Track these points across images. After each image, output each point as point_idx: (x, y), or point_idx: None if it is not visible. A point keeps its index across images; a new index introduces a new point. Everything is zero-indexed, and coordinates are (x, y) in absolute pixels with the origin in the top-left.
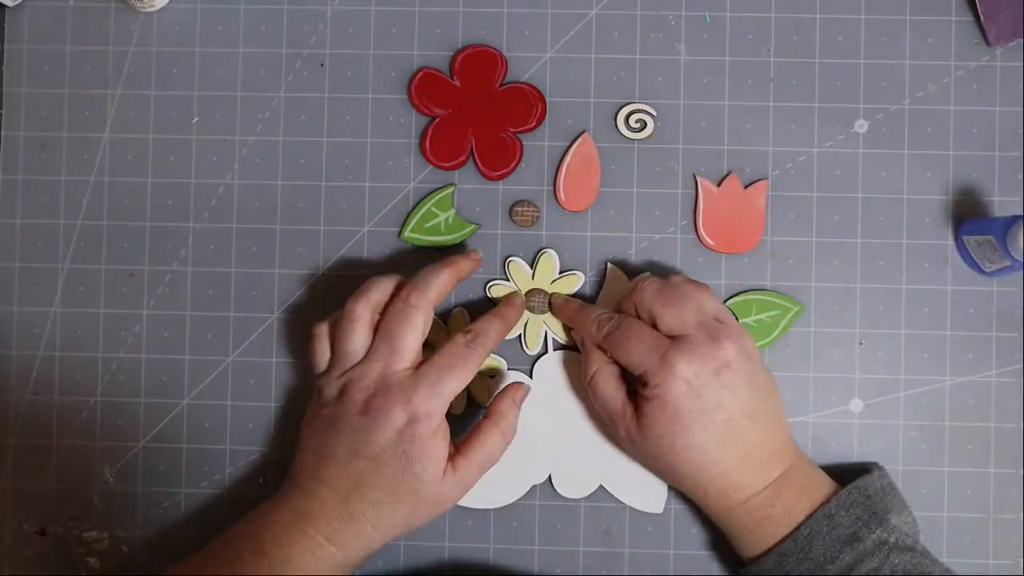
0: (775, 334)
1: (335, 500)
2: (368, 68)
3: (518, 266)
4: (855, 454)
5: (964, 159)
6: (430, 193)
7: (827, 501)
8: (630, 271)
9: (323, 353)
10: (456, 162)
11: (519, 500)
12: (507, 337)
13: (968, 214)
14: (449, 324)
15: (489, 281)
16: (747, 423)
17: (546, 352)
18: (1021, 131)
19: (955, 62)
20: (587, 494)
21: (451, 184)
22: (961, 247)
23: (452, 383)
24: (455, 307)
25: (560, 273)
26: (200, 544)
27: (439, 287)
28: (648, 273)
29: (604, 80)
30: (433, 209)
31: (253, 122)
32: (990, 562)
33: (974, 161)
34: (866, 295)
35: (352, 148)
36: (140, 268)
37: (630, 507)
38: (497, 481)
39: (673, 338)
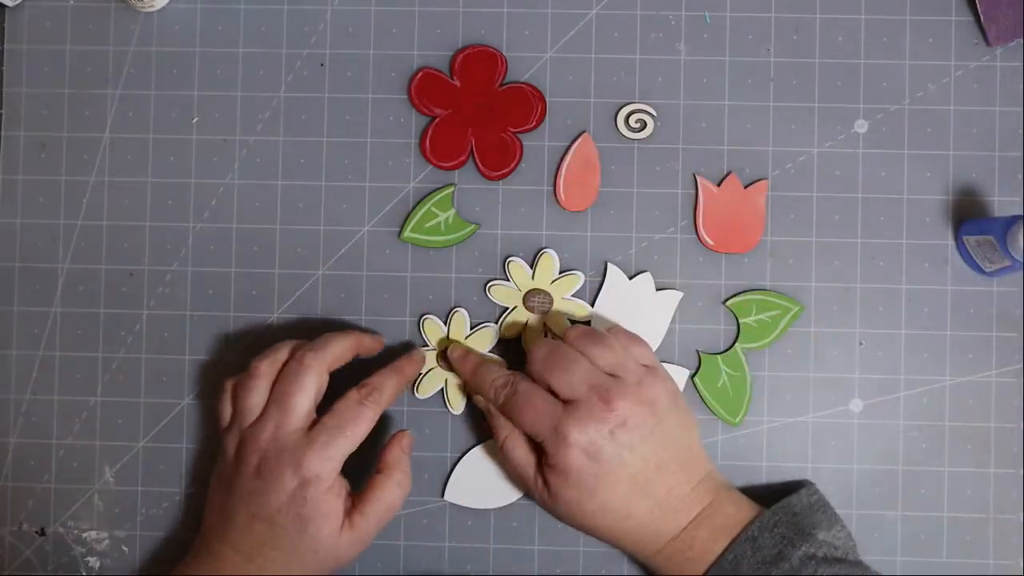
0: (775, 334)
1: (240, 561)
2: (368, 68)
3: (518, 266)
4: (855, 454)
5: (964, 159)
6: (430, 193)
7: (749, 525)
8: (630, 271)
9: (226, 409)
10: (456, 162)
11: (519, 500)
12: (507, 335)
13: (968, 214)
14: (449, 325)
15: (489, 281)
16: (654, 474)
17: None
18: (1021, 131)
19: (955, 62)
20: None
21: (451, 184)
22: (961, 247)
23: (343, 445)
24: (455, 307)
25: (560, 273)
26: None
27: (336, 351)
28: (568, 324)
29: (604, 80)
30: (433, 209)
31: (253, 122)
32: (990, 562)
33: (974, 161)
34: (866, 295)
35: (352, 148)
36: (140, 268)
37: None
38: (497, 481)
39: (566, 403)
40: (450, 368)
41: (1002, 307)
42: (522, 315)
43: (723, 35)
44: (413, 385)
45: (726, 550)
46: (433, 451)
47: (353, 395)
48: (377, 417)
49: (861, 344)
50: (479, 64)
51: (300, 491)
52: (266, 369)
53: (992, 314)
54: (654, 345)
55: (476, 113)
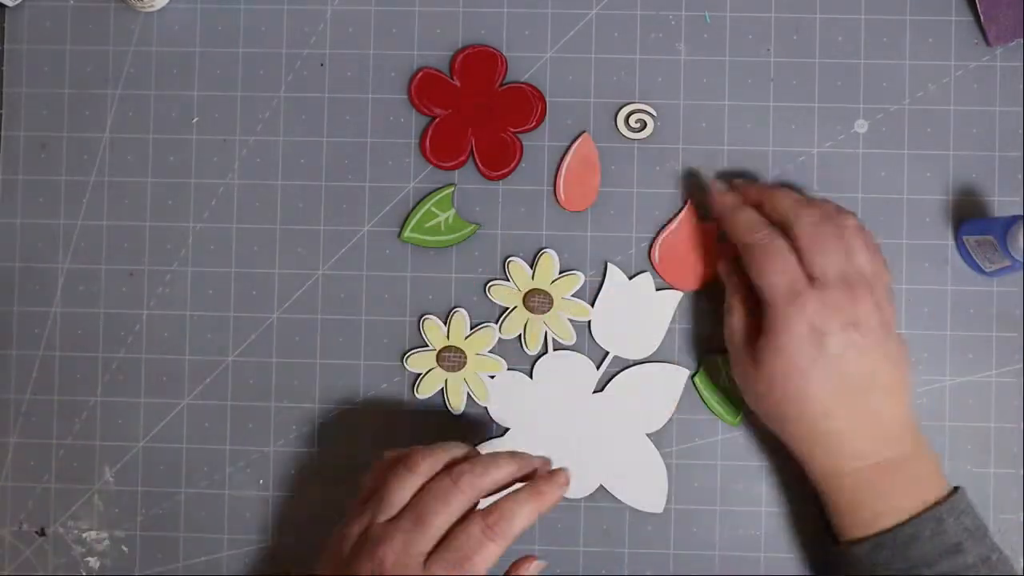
0: None
1: None
2: (368, 68)
3: (518, 266)
4: None
5: (964, 159)
6: (430, 193)
7: (938, 503)
8: (630, 271)
9: (370, 484)
10: (456, 162)
11: None
12: (506, 338)
13: (968, 214)
14: (449, 325)
15: (489, 281)
16: (867, 385)
17: (546, 352)
18: (1021, 131)
19: (955, 62)
20: (587, 494)
21: (451, 184)
22: (961, 247)
23: (476, 569)
24: (455, 308)
25: (560, 273)
26: (200, 544)
27: (497, 478)
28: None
29: (604, 80)
30: (433, 209)
31: (253, 122)
32: None
33: (974, 161)
34: None
35: (352, 148)
36: (140, 268)
37: (630, 507)
38: None
39: (812, 278)
40: (450, 368)
41: (1002, 307)
42: (522, 315)
43: (723, 35)
44: (413, 385)
45: (906, 522)
46: None
47: (477, 524)
48: (502, 553)
49: None
50: (479, 64)
51: None
52: (426, 470)
53: (992, 314)
54: (654, 345)
55: (476, 113)
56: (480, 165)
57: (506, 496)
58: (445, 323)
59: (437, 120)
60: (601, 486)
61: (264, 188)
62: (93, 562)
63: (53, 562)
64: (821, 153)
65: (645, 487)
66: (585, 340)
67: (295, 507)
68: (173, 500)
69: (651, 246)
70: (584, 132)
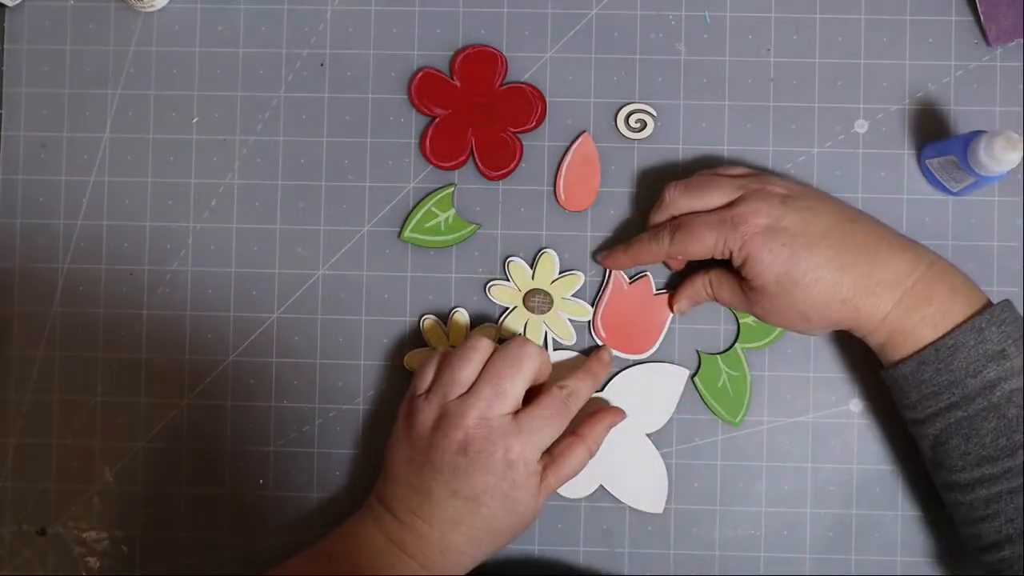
0: (775, 334)
1: (433, 535)
2: (368, 68)
3: (518, 266)
4: (855, 454)
5: None
6: (430, 193)
7: (978, 313)
8: (630, 272)
9: (428, 375)
10: (456, 162)
11: None
12: (506, 338)
13: (967, 213)
14: (449, 325)
15: (489, 281)
16: (849, 225)
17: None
18: (1021, 131)
19: (955, 62)
20: (587, 494)
21: (451, 184)
22: (926, 171)
23: (549, 435)
24: (455, 307)
25: (560, 273)
26: (200, 544)
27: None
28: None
29: (604, 80)
30: (433, 209)
31: (253, 122)
32: None
33: None
34: None
35: (352, 148)
36: (140, 268)
37: (630, 507)
38: None
39: (726, 207)
40: None
41: None
42: (522, 315)
43: (723, 35)
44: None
45: (947, 333)
46: None
47: (557, 393)
48: (570, 419)
49: (861, 344)
50: (479, 64)
51: (509, 473)
52: (486, 345)
53: None
54: (654, 347)
55: (476, 113)
56: (480, 165)
57: (572, 376)
58: (445, 323)
59: (437, 120)
60: (601, 486)
61: (264, 188)
62: (93, 562)
63: (53, 562)
64: (821, 153)
65: (645, 487)
66: (585, 340)
67: (295, 507)
68: (173, 500)
69: (591, 324)
70: (584, 132)
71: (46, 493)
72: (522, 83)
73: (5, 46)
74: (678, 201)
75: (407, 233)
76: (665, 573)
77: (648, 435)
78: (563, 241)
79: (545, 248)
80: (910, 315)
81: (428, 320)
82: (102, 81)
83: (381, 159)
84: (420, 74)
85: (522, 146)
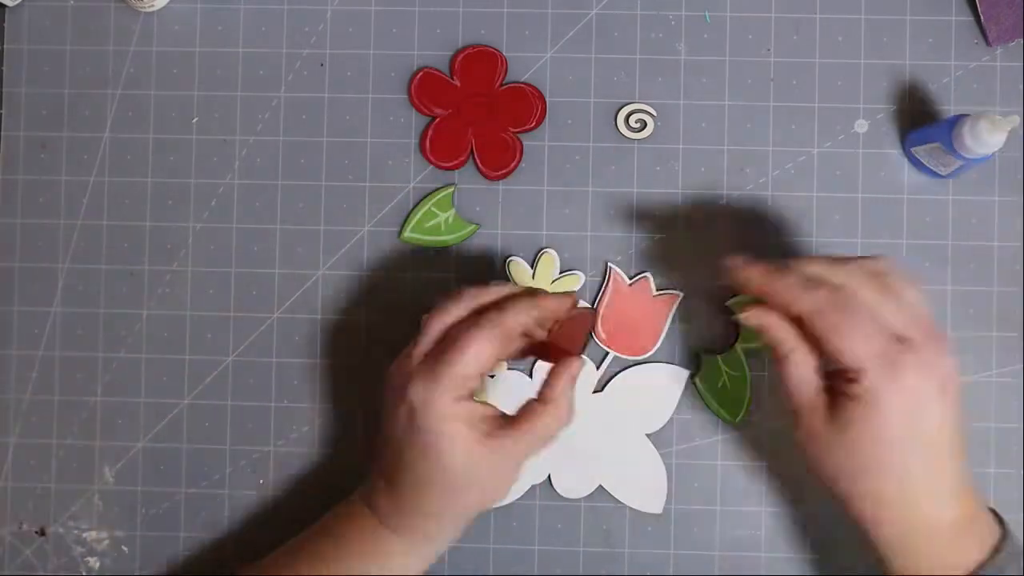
0: None
1: (383, 486)
2: (368, 68)
3: (519, 266)
4: None
5: None
6: (430, 193)
7: (997, 550)
8: (630, 271)
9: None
10: (456, 162)
11: (519, 500)
12: None
13: (966, 213)
14: None
15: (490, 282)
16: (947, 448)
17: None
18: (1021, 131)
19: (955, 62)
20: (586, 494)
21: (451, 184)
22: (912, 159)
23: (447, 370)
24: None
25: (560, 273)
26: (200, 544)
27: (518, 318)
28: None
29: (604, 80)
30: (433, 209)
31: (253, 122)
32: None
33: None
34: None
35: (352, 148)
36: (140, 268)
37: (630, 507)
38: None
39: (900, 338)
40: None
41: (1002, 307)
42: None
43: (723, 35)
44: None
45: (988, 560)
46: None
47: (469, 317)
48: (495, 343)
49: None
50: (479, 64)
51: (410, 420)
52: (467, 297)
53: (992, 314)
54: (654, 347)
55: (476, 113)
56: (480, 165)
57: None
58: None
59: (437, 120)
60: (600, 486)
61: (264, 188)
62: (93, 562)
63: (53, 562)
64: (821, 153)
65: (644, 488)
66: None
67: (295, 507)
68: (173, 500)
69: (603, 324)
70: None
71: (46, 493)
72: (522, 83)
73: (5, 46)
74: (859, 280)
75: (407, 233)
76: (665, 573)
77: (648, 435)
78: (563, 241)
79: (546, 248)
80: (948, 544)
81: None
82: (102, 81)
83: (381, 159)
84: (420, 74)
85: (522, 146)
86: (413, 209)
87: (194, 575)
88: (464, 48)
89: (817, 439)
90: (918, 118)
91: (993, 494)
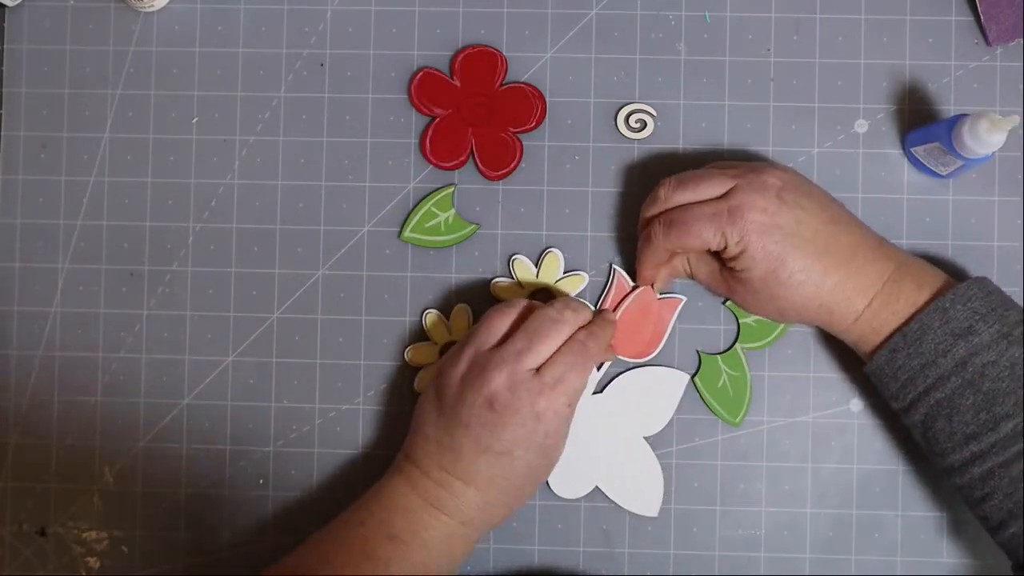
0: (775, 334)
1: (470, 492)
2: (368, 68)
3: (523, 264)
4: (855, 454)
5: None
6: (430, 193)
7: (941, 294)
8: (633, 272)
9: (472, 328)
10: (456, 162)
11: None
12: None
13: (966, 213)
14: (452, 321)
15: (493, 279)
16: (833, 228)
17: None
18: (1021, 131)
19: (955, 62)
20: (583, 495)
21: (451, 184)
22: (912, 159)
23: (574, 380)
24: (458, 304)
25: (564, 273)
26: (200, 544)
27: (589, 315)
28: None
29: (604, 80)
30: (433, 209)
31: (253, 122)
32: (990, 562)
33: None
34: None
35: (352, 148)
36: (140, 268)
37: (626, 510)
38: None
39: (721, 198)
40: None
41: None
42: None
43: (723, 35)
44: (413, 380)
45: (911, 318)
46: None
47: (579, 334)
48: (596, 363)
49: None
50: (479, 64)
51: (539, 426)
52: (525, 303)
53: None
54: (656, 350)
55: (476, 113)
56: (480, 165)
57: (582, 329)
58: (448, 319)
59: (437, 120)
60: (597, 487)
61: (264, 188)
62: (93, 562)
63: (53, 562)
64: (821, 153)
65: (640, 491)
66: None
67: (295, 507)
68: (173, 500)
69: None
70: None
71: (46, 493)
72: (522, 83)
73: (5, 46)
74: (672, 196)
75: (407, 233)
76: (665, 573)
77: (646, 438)
78: (563, 241)
79: (550, 248)
80: (879, 313)
81: (430, 315)
82: (102, 81)
83: (381, 159)
84: (420, 74)
85: (522, 146)
86: (413, 209)
87: (194, 575)
88: (464, 48)
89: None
90: (918, 118)
91: None
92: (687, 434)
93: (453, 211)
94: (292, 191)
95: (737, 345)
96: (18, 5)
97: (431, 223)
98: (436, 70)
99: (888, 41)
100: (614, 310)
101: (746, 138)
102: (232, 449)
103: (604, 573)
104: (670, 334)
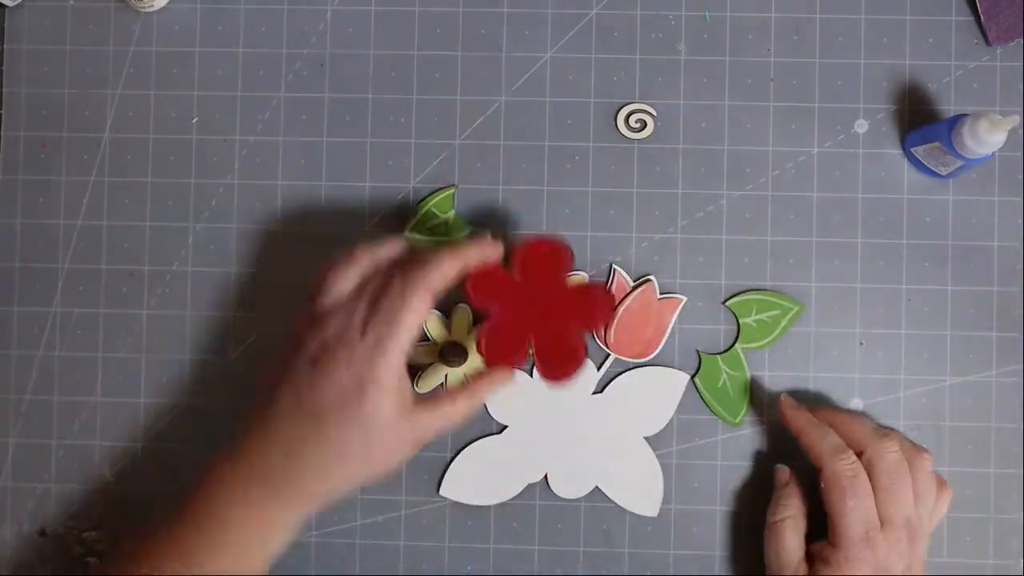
0: (775, 334)
1: (276, 455)
2: (368, 68)
3: None
4: None
5: None
6: (430, 194)
7: None
8: (631, 271)
9: (317, 284)
10: (514, 361)
11: (518, 500)
12: None
13: (966, 213)
14: (452, 320)
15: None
16: None
17: None
18: (1021, 131)
19: (955, 62)
20: (583, 495)
21: (452, 185)
22: (912, 159)
23: (397, 341)
24: (458, 303)
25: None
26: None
27: (440, 271)
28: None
29: (604, 80)
30: (433, 210)
31: (253, 122)
32: (990, 562)
33: None
34: (866, 295)
35: (352, 148)
36: (140, 268)
37: (626, 510)
38: (494, 477)
39: (882, 519)
40: (452, 363)
41: (1002, 307)
42: None
43: (723, 35)
44: (413, 379)
45: None
46: (432, 451)
47: (396, 280)
48: (429, 303)
49: (861, 344)
50: (543, 258)
51: (358, 393)
52: (366, 262)
53: (992, 314)
54: (656, 351)
55: (538, 311)
56: (540, 365)
57: (425, 250)
58: (447, 318)
59: (494, 318)
60: (597, 487)
61: (264, 188)
62: (93, 562)
63: (53, 562)
64: (821, 153)
65: (640, 491)
66: (588, 341)
67: None
68: (173, 500)
69: (605, 331)
70: (649, 279)
71: (46, 493)
72: (589, 280)
73: (5, 46)
74: (885, 475)
75: (407, 233)
76: (665, 573)
77: (646, 438)
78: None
79: None
80: None
81: (431, 314)
82: (102, 81)
83: (381, 159)
84: (478, 271)
85: (587, 347)
86: (413, 209)
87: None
88: (527, 241)
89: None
90: (918, 118)
91: (993, 494)
92: (687, 434)
93: (453, 212)
94: (292, 191)
95: (737, 345)
96: (18, 5)
97: (431, 223)
98: (495, 266)
99: (888, 41)
100: (615, 309)
101: (746, 138)
102: None
103: (604, 573)
104: (670, 334)
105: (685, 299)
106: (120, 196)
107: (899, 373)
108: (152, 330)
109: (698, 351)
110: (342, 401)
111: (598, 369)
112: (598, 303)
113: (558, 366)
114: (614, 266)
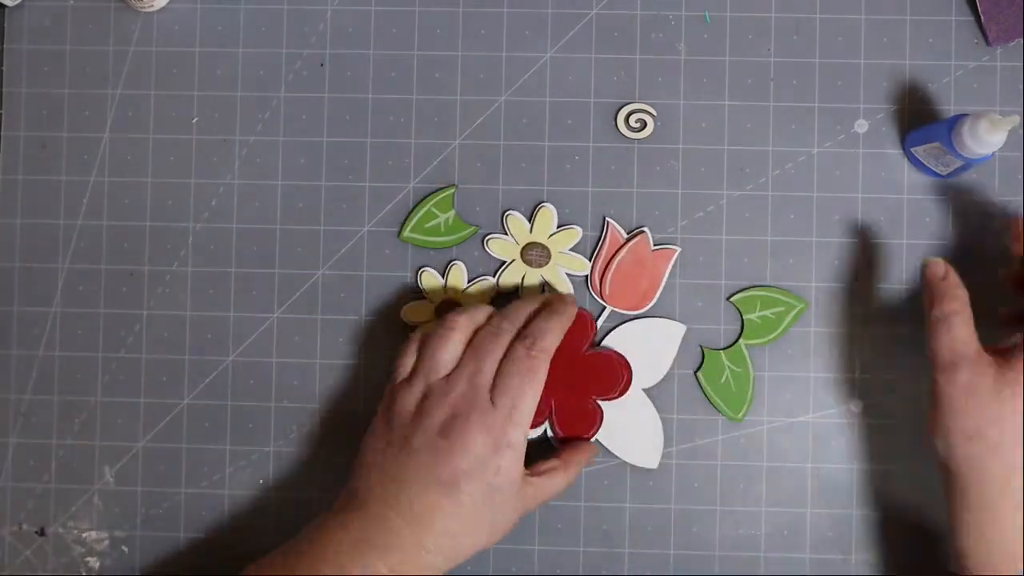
0: (778, 331)
1: (406, 531)
2: (368, 68)
3: (516, 220)
4: (855, 454)
5: None
6: (430, 193)
7: None
8: (628, 227)
9: (409, 361)
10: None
11: None
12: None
13: (966, 214)
14: (447, 277)
15: (487, 235)
16: None
17: None
18: (1021, 131)
19: (955, 62)
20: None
21: (452, 185)
22: (912, 159)
23: (526, 402)
24: (453, 261)
25: (558, 227)
26: (200, 544)
27: (528, 313)
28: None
29: (604, 80)
30: (433, 210)
31: (253, 122)
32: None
33: None
34: (866, 295)
35: (352, 148)
36: (140, 268)
37: (629, 464)
38: None
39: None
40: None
41: (1002, 307)
42: (520, 268)
43: (723, 35)
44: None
45: None
46: None
47: (519, 349)
48: (547, 368)
49: (861, 344)
50: (570, 329)
51: (492, 458)
52: (464, 324)
53: (992, 314)
54: (651, 302)
55: (559, 379)
56: (557, 429)
57: (532, 323)
58: (443, 275)
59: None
60: (596, 439)
61: (264, 188)
62: (93, 562)
63: (53, 562)
64: (821, 153)
65: (641, 443)
66: (584, 295)
67: (295, 507)
68: (173, 500)
69: (588, 279)
70: (642, 231)
71: (46, 493)
72: (607, 350)
73: (5, 46)
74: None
75: (406, 233)
76: (665, 573)
77: (645, 390)
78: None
79: (543, 202)
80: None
81: (425, 273)
82: (102, 81)
83: (381, 159)
84: None
85: (602, 414)
86: (413, 209)
87: (194, 575)
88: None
89: (975, 390)
90: (918, 118)
91: None
92: (687, 434)
93: (453, 212)
94: (292, 191)
95: (740, 341)
96: (18, 5)
97: (431, 223)
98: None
99: (888, 41)
100: (609, 262)
101: (746, 138)
102: (232, 449)
103: (604, 573)
104: (668, 288)
105: (679, 250)
106: (120, 196)
107: (899, 373)
108: (152, 330)
109: (701, 347)
110: (481, 467)
111: (595, 321)
112: (615, 374)
113: (574, 432)
114: (607, 219)
